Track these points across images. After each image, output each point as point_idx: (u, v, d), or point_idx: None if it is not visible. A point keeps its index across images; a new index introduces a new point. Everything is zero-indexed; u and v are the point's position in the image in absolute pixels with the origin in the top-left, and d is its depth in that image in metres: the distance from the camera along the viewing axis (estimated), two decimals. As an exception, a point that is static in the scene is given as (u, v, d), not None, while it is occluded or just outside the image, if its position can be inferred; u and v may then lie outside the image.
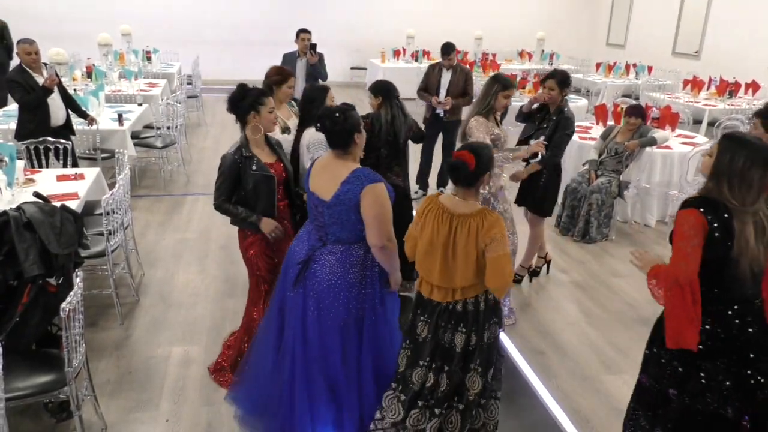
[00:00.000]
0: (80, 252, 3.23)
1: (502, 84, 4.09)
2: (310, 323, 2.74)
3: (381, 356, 2.85)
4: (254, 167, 3.11)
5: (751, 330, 2.32)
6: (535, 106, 4.61)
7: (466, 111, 8.57)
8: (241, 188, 3.17)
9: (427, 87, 6.54)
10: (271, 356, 2.95)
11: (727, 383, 2.34)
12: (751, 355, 2.33)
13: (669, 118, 6.46)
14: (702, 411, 2.38)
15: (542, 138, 4.34)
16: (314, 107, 3.61)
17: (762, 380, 2.33)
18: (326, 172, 2.69)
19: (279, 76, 4.14)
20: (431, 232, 2.56)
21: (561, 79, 4.33)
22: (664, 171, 6.04)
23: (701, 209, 2.24)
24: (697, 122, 8.69)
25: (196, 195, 6.62)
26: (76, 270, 2.96)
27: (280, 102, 4.20)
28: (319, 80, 6.74)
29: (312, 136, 3.55)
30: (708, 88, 9.87)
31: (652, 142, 5.59)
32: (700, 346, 2.30)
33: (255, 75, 14.05)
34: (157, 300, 4.39)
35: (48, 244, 2.86)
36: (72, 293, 2.62)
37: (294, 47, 6.83)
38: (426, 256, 2.59)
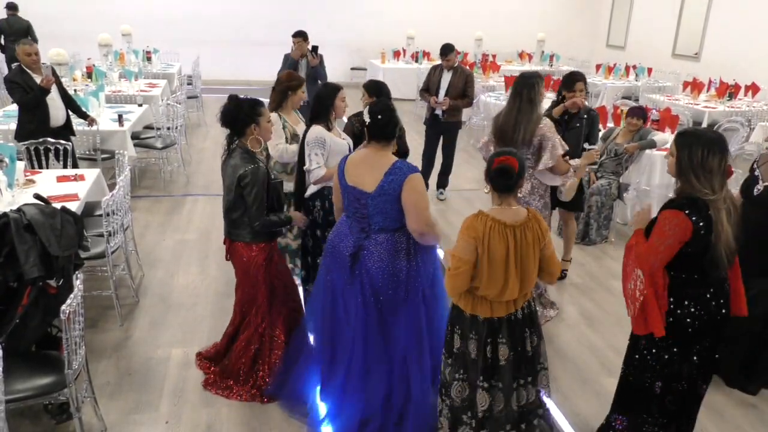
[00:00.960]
0: (80, 254, 3.23)
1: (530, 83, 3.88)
2: (369, 313, 2.88)
3: (439, 331, 2.95)
4: (273, 177, 3.21)
5: (723, 311, 2.54)
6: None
7: (466, 113, 8.67)
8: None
9: (428, 87, 6.56)
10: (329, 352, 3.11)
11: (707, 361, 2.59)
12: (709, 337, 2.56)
13: (669, 121, 6.47)
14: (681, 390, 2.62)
15: (585, 144, 4.51)
16: (326, 106, 3.64)
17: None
18: (366, 165, 2.83)
19: (295, 81, 4.09)
20: (501, 251, 2.46)
21: (585, 81, 4.61)
22: (663, 173, 6.03)
23: (686, 211, 2.38)
24: (697, 124, 8.69)
25: (195, 196, 6.62)
26: (77, 272, 2.96)
27: (291, 108, 4.18)
28: (319, 81, 6.75)
29: (316, 133, 3.58)
30: (708, 90, 9.87)
31: (652, 145, 5.60)
32: (689, 330, 2.49)
33: (255, 75, 14.19)
34: (157, 301, 4.39)
35: (48, 246, 2.86)
36: (72, 295, 2.62)
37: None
38: (501, 276, 2.49)
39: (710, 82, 10.10)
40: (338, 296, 2.99)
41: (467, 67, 7.13)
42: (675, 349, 2.55)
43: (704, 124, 8.65)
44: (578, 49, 15.21)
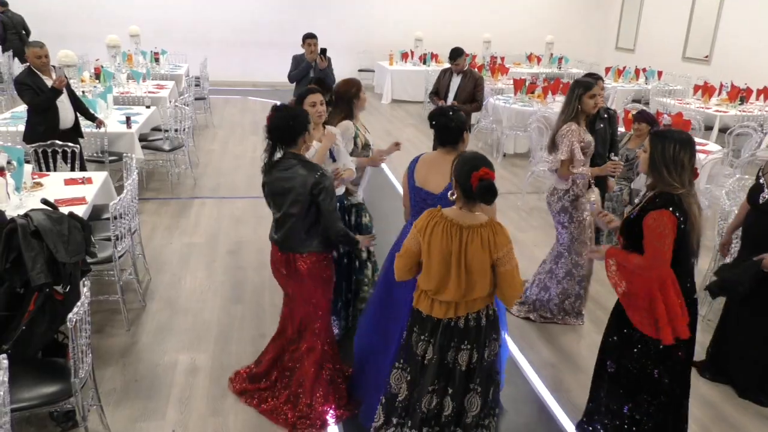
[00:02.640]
0: (87, 260, 3.20)
1: (583, 86, 3.99)
2: None
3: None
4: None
5: (695, 294, 2.81)
6: None
7: (475, 116, 8.61)
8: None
9: (438, 91, 6.52)
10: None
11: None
12: None
13: (681, 125, 6.39)
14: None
15: (611, 154, 4.62)
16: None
17: None
18: (434, 167, 2.97)
19: (354, 87, 3.91)
20: (442, 246, 2.47)
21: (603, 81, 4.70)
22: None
23: (670, 209, 2.59)
24: (708, 128, 8.61)
25: (203, 198, 6.59)
26: (84, 278, 2.93)
27: (359, 115, 4.01)
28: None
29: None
30: (719, 94, 9.76)
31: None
32: None
33: (262, 77, 14.14)
34: (164, 305, 4.36)
35: (55, 252, 2.83)
36: (79, 303, 2.59)
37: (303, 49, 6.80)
38: (438, 271, 2.50)
39: (721, 85, 9.98)
40: (394, 292, 3.08)
41: (477, 71, 7.07)
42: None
43: (716, 129, 8.57)
44: (587, 51, 15.13)
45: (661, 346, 2.73)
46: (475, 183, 2.34)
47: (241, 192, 6.86)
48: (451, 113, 2.94)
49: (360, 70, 14.33)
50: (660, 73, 11.76)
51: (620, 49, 15.12)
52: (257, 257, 5.16)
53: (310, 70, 6.54)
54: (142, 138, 6.69)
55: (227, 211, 6.22)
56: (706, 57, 12.21)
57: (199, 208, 6.30)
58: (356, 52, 14.11)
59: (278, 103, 3.04)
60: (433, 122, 2.99)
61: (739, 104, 9.18)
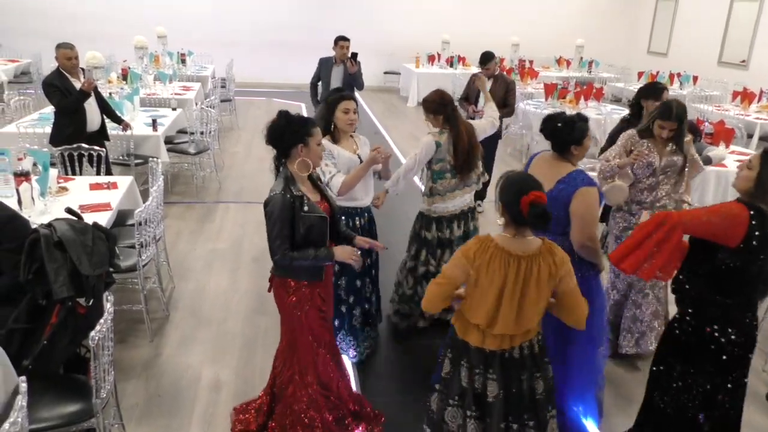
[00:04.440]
0: (111, 271, 3.09)
1: (658, 111, 3.57)
2: None
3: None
4: (306, 208, 2.65)
5: (757, 332, 2.44)
6: None
7: (505, 122, 8.40)
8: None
9: (468, 96, 6.35)
10: None
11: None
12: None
13: (723, 134, 6.13)
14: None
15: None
16: (327, 119, 3.45)
17: None
18: (543, 169, 2.88)
19: (447, 99, 3.77)
20: (501, 280, 2.28)
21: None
22: (717, 190, 5.73)
23: (752, 212, 2.24)
24: (749, 136, 8.29)
25: (227, 203, 6.50)
26: (107, 291, 2.83)
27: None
28: (355, 89, 6.58)
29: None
30: (759, 101, 9.42)
31: (708, 162, 5.28)
32: (729, 357, 2.36)
33: (288, 78, 14.06)
34: (188, 315, 4.25)
35: (79, 264, 2.73)
36: (102, 320, 2.47)
37: (329, 51, 6.68)
38: (489, 305, 2.31)
39: (762, 92, 9.64)
40: None
41: (508, 76, 6.88)
42: (715, 378, 2.42)
43: (756, 137, 8.26)
44: (618, 55, 14.80)
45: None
46: (526, 209, 2.17)
47: (264, 196, 6.73)
48: (559, 123, 2.87)
49: (386, 73, 14.20)
50: (696, 78, 11.42)
51: (652, 53, 14.77)
52: (282, 265, 5.04)
53: (332, 69, 6.41)
54: (168, 140, 6.63)
55: (252, 216, 6.11)
56: (743, 62, 11.84)
57: (224, 213, 6.21)
58: (382, 54, 13.97)
59: (283, 109, 2.81)
60: (541, 127, 2.95)
61: (781, 111, 8.84)
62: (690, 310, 2.37)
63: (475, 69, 12.19)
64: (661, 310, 3.87)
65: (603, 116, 7.99)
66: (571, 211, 2.78)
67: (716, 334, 2.35)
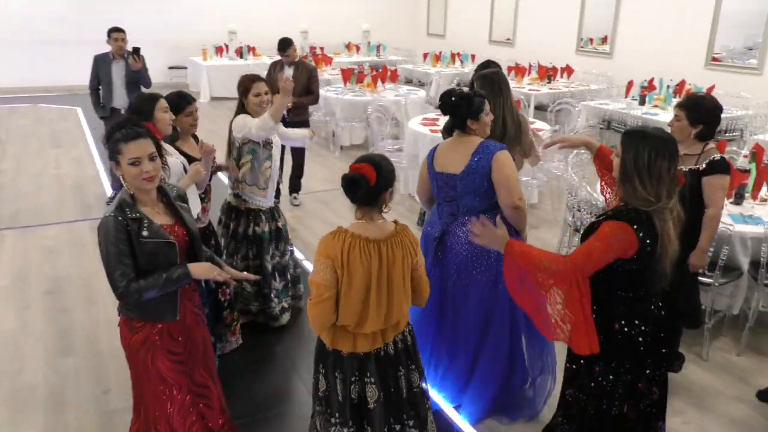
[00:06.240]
0: None
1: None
2: (450, 295, 2.94)
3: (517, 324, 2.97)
4: (145, 233, 2.20)
5: (664, 316, 2.36)
6: None
7: (310, 109, 8.25)
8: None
9: (273, 85, 6.06)
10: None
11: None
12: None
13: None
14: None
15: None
16: (141, 120, 2.96)
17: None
18: (452, 150, 2.88)
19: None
20: (363, 270, 2.11)
21: None
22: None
23: (635, 227, 2.15)
24: (528, 107, 9.15)
25: (1, 231, 5.47)
26: None
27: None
28: (142, 87, 5.93)
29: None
30: (529, 74, 10.47)
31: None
32: (641, 348, 2.29)
33: (60, 80, 12.44)
34: (-33, 375, 3.45)
35: None
36: None
37: (104, 46, 5.93)
38: (361, 300, 2.13)
39: (530, 66, 10.74)
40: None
41: (310, 62, 6.74)
42: (631, 369, 2.35)
43: (531, 107, 9.15)
44: (402, 38, 15.50)
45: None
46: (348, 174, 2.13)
47: (50, 217, 5.81)
48: (453, 98, 2.81)
49: (170, 68, 13.21)
50: (473, 57, 12.37)
51: (432, 35, 15.71)
52: (84, 293, 4.35)
53: (111, 66, 5.74)
54: None
55: (36, 242, 5.21)
56: (509, 39, 13.11)
57: (-2, 243, 5.22)
58: (164, 48, 12.91)
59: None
60: (453, 105, 2.83)
61: (548, 83, 9.93)
62: (595, 307, 2.25)
63: (267, 59, 11.88)
64: None
65: (402, 97, 8.24)
66: (495, 177, 2.76)
67: (626, 329, 2.28)
